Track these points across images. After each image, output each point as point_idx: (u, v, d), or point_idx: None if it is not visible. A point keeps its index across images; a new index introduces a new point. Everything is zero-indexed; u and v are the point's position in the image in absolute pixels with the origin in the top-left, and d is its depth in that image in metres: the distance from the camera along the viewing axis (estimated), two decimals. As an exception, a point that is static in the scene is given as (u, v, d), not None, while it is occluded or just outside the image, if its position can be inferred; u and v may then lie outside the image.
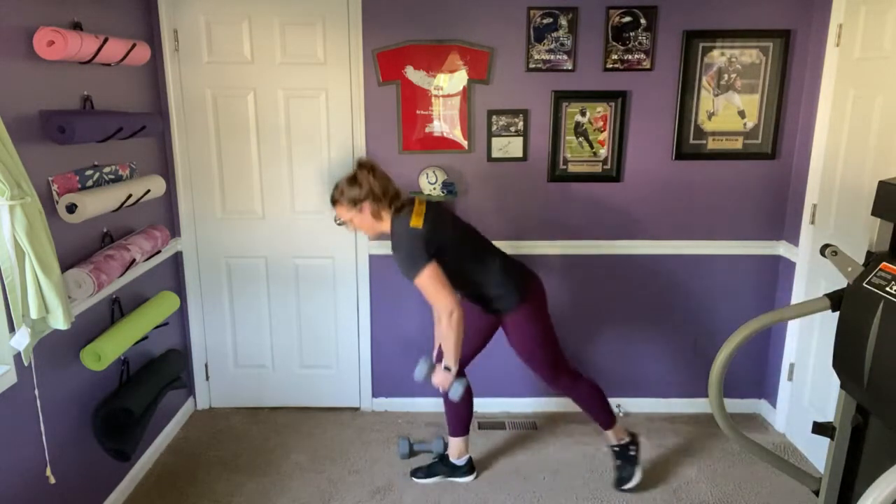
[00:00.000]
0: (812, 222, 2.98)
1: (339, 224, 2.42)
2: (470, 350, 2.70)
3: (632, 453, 2.76)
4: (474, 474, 2.85)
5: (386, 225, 2.43)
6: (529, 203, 3.18)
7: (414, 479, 2.84)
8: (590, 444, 3.14)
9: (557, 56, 3.01)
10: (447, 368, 2.43)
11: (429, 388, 3.37)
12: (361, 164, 2.42)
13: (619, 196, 3.18)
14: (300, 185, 3.20)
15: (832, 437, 1.99)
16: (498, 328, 2.66)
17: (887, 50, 2.47)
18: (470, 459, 2.85)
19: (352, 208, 2.41)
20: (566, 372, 2.67)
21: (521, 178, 3.15)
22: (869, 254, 1.85)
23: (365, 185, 2.37)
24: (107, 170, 2.58)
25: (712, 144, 3.11)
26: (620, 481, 2.74)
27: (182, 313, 3.33)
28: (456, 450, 2.82)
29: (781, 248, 3.22)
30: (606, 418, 2.74)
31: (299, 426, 3.30)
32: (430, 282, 2.30)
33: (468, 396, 2.75)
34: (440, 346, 2.60)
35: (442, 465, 2.84)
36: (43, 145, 2.19)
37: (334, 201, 2.45)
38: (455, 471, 2.83)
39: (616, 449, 2.78)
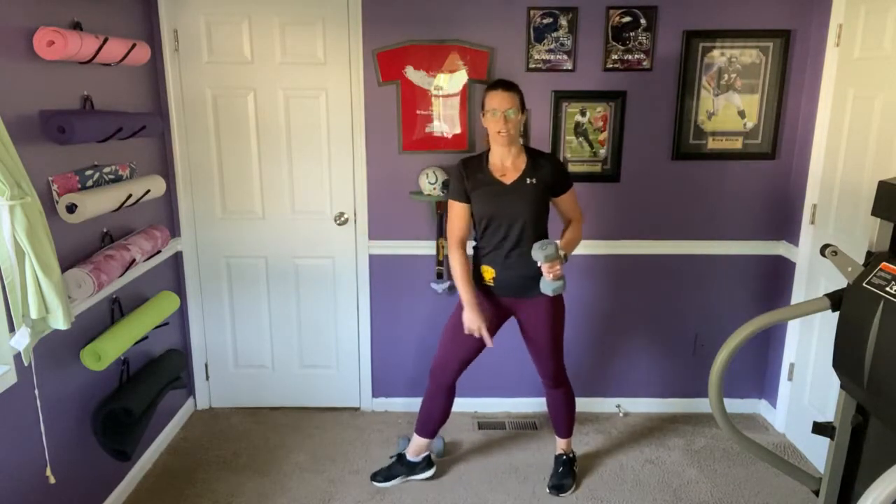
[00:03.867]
0: (812, 222, 2.98)
1: (497, 114, 2.41)
2: (471, 353, 2.65)
3: (575, 468, 2.86)
4: (433, 469, 2.85)
5: (517, 141, 2.50)
6: (529, 203, 3.18)
7: (374, 483, 2.82)
8: (589, 445, 3.14)
9: (557, 56, 3.01)
10: (565, 257, 2.43)
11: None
12: None
13: (618, 196, 3.18)
14: (300, 185, 3.20)
15: (832, 437, 1.99)
16: (498, 331, 2.66)
17: (887, 50, 2.47)
18: (428, 456, 2.85)
19: (520, 105, 2.45)
20: (564, 368, 2.72)
21: (521, 178, 3.15)
22: (869, 254, 1.85)
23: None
24: (107, 170, 2.58)
25: (712, 144, 3.11)
26: (560, 487, 2.76)
27: (182, 313, 3.33)
28: (415, 448, 2.81)
29: (781, 248, 3.22)
30: (572, 428, 2.84)
31: (299, 426, 3.30)
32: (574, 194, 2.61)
33: (447, 406, 2.74)
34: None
35: (400, 466, 2.83)
36: (43, 145, 2.19)
37: (513, 88, 2.44)
38: (414, 468, 2.83)
39: (564, 458, 2.84)
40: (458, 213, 2.56)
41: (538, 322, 2.57)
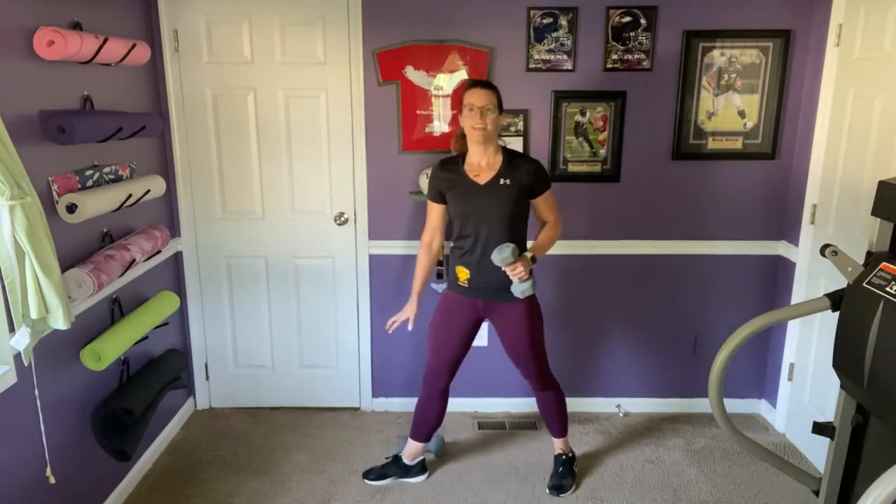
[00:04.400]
0: (812, 222, 2.98)
1: (472, 109, 2.41)
2: (456, 355, 2.66)
3: (575, 468, 2.86)
4: (426, 473, 2.86)
5: (494, 141, 2.49)
6: (529, 203, 3.18)
7: (366, 480, 2.82)
8: (589, 445, 3.14)
9: (557, 56, 3.01)
10: (533, 259, 2.43)
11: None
12: None
13: (618, 196, 3.18)
14: (300, 185, 3.20)
15: (832, 437, 1.99)
16: (476, 333, 2.67)
17: (887, 50, 2.47)
18: (423, 461, 2.85)
19: (497, 104, 2.45)
20: (549, 369, 2.71)
21: (521, 178, 3.15)
22: (869, 254, 1.85)
23: None
24: (107, 170, 2.58)
25: (712, 144, 3.11)
26: (560, 488, 2.76)
27: (182, 313, 3.33)
28: (410, 452, 2.81)
29: (781, 248, 3.22)
30: (566, 427, 2.83)
31: (299, 426, 3.30)
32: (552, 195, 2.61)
33: (441, 411, 2.74)
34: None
35: (395, 467, 2.83)
36: (43, 145, 2.19)
37: (491, 87, 2.45)
38: (407, 471, 2.83)
39: (563, 458, 2.83)
40: (431, 213, 2.63)
41: (515, 328, 2.56)
